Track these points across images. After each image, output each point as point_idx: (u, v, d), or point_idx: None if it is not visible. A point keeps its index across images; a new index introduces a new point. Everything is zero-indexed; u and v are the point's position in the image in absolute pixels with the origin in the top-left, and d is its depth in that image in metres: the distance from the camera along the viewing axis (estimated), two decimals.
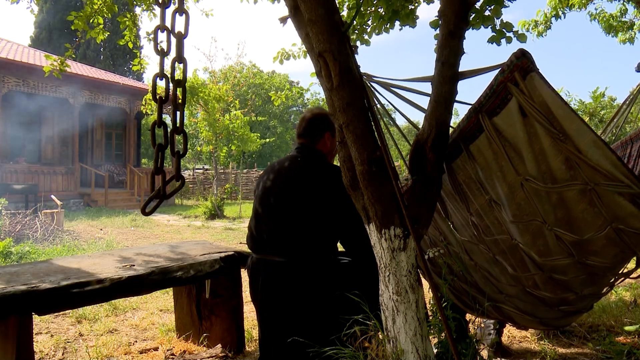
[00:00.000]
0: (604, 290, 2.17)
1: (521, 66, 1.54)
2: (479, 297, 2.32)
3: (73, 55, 4.46)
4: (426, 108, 1.88)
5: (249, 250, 2.52)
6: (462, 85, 1.85)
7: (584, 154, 1.56)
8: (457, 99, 1.86)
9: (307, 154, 2.32)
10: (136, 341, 3.02)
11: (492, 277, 2.25)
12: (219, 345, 2.74)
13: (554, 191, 1.70)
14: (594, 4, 6.12)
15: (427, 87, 2.01)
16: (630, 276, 2.03)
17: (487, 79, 1.81)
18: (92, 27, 3.97)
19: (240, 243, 4.14)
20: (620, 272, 2.01)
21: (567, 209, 1.74)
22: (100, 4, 3.86)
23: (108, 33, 4.18)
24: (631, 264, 2.05)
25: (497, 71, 1.66)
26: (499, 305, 2.30)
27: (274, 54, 4.24)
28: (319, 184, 2.21)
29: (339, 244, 2.31)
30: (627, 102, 3.32)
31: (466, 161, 1.84)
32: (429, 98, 1.87)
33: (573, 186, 1.65)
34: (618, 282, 2.11)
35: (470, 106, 1.79)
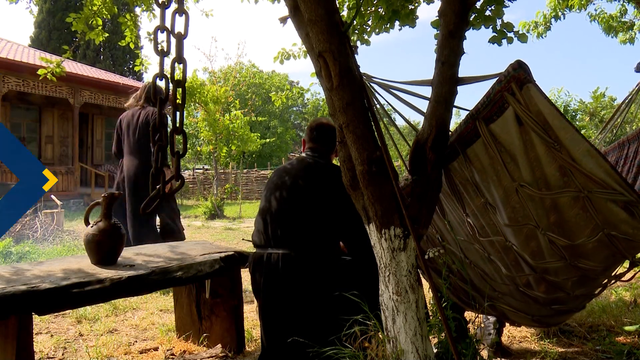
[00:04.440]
0: (597, 291, 2.21)
1: (518, 77, 1.58)
2: (475, 295, 2.36)
3: (70, 57, 4.47)
4: (425, 109, 1.89)
5: (248, 250, 2.53)
6: (461, 88, 1.87)
7: (578, 162, 1.60)
8: (455, 103, 1.88)
9: (318, 155, 2.36)
10: (136, 341, 3.02)
11: (486, 275, 2.30)
12: (219, 345, 2.74)
13: (548, 197, 1.74)
14: (593, 4, 6.12)
15: (426, 90, 2.01)
16: (622, 279, 2.06)
17: (485, 83, 1.84)
18: (91, 28, 3.97)
19: (243, 239, 4.15)
20: (612, 274, 2.05)
21: (560, 213, 1.78)
22: (99, 5, 3.85)
23: (107, 34, 4.18)
24: (625, 266, 2.08)
25: (495, 80, 1.69)
26: (493, 302, 2.35)
27: (274, 54, 4.24)
28: (328, 183, 2.23)
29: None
30: (626, 101, 3.34)
31: (463, 164, 1.88)
32: (427, 100, 1.88)
33: (567, 193, 1.69)
34: (610, 284, 2.15)
35: (468, 112, 1.82)
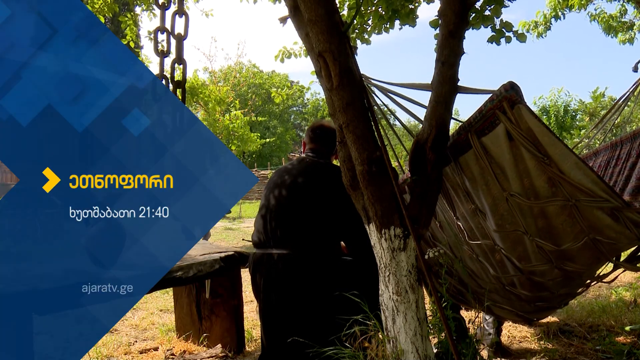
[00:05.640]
0: (579, 290, 2.31)
1: (509, 98, 1.63)
2: (462, 290, 2.46)
3: None
4: (420, 113, 1.91)
5: (248, 251, 2.53)
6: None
7: (567, 174, 1.66)
8: (455, 107, 1.89)
9: (319, 156, 2.36)
10: (136, 341, 3.02)
11: (473, 273, 2.40)
12: (219, 345, 2.74)
13: (537, 206, 1.80)
14: (593, 4, 6.11)
15: (422, 94, 2.03)
16: (605, 280, 2.15)
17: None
18: None
19: (243, 239, 4.15)
20: (595, 274, 2.14)
21: (548, 219, 1.85)
22: (101, 4, 3.85)
23: None
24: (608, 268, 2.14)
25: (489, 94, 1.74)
26: (479, 297, 2.43)
27: (275, 54, 4.23)
28: (328, 182, 2.23)
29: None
30: (622, 99, 3.35)
31: (455, 170, 1.92)
32: (424, 102, 1.90)
33: (555, 202, 1.76)
34: (592, 284, 2.29)
35: (461, 123, 1.88)
